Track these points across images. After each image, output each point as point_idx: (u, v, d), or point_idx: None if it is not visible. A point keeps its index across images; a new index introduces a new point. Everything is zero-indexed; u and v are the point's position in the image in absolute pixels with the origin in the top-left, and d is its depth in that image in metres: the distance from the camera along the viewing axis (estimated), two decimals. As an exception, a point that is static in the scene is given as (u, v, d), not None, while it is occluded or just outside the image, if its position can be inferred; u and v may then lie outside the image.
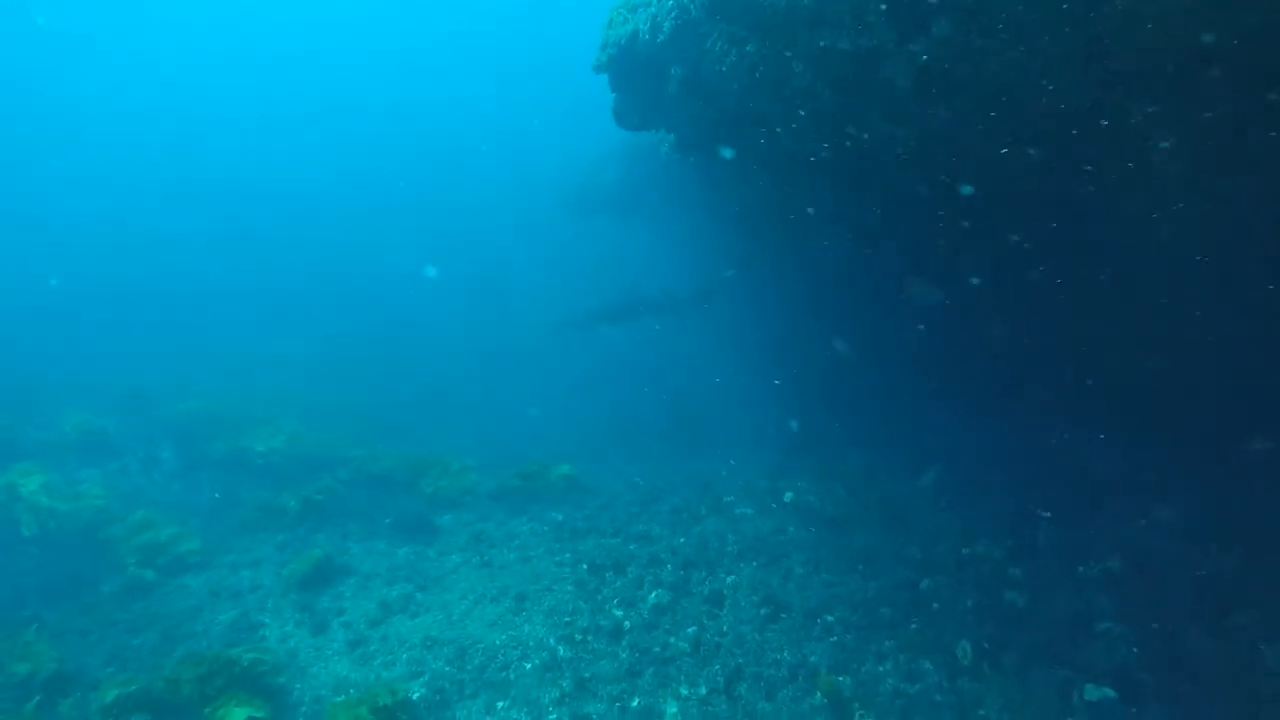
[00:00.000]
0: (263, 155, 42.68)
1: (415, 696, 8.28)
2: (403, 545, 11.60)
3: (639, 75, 8.17)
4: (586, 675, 8.39)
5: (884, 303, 11.19)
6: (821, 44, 5.23)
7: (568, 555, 10.79)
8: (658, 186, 16.81)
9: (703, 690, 8.05)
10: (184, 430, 15.53)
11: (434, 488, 13.34)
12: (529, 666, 8.62)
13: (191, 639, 9.49)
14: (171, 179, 39.28)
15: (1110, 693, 7.00)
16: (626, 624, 9.19)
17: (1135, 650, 7.59)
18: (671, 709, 7.86)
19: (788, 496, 12.56)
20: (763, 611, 9.22)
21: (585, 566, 10.43)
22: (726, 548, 10.76)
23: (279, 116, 45.76)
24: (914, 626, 8.69)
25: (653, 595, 9.64)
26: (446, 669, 8.68)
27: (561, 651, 8.80)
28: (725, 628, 9.02)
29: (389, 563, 11.04)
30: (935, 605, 9.06)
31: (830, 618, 9.02)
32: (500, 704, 8.15)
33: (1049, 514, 9.78)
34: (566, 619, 9.35)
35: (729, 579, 9.96)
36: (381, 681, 8.43)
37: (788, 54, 5.64)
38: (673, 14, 7.30)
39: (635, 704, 7.97)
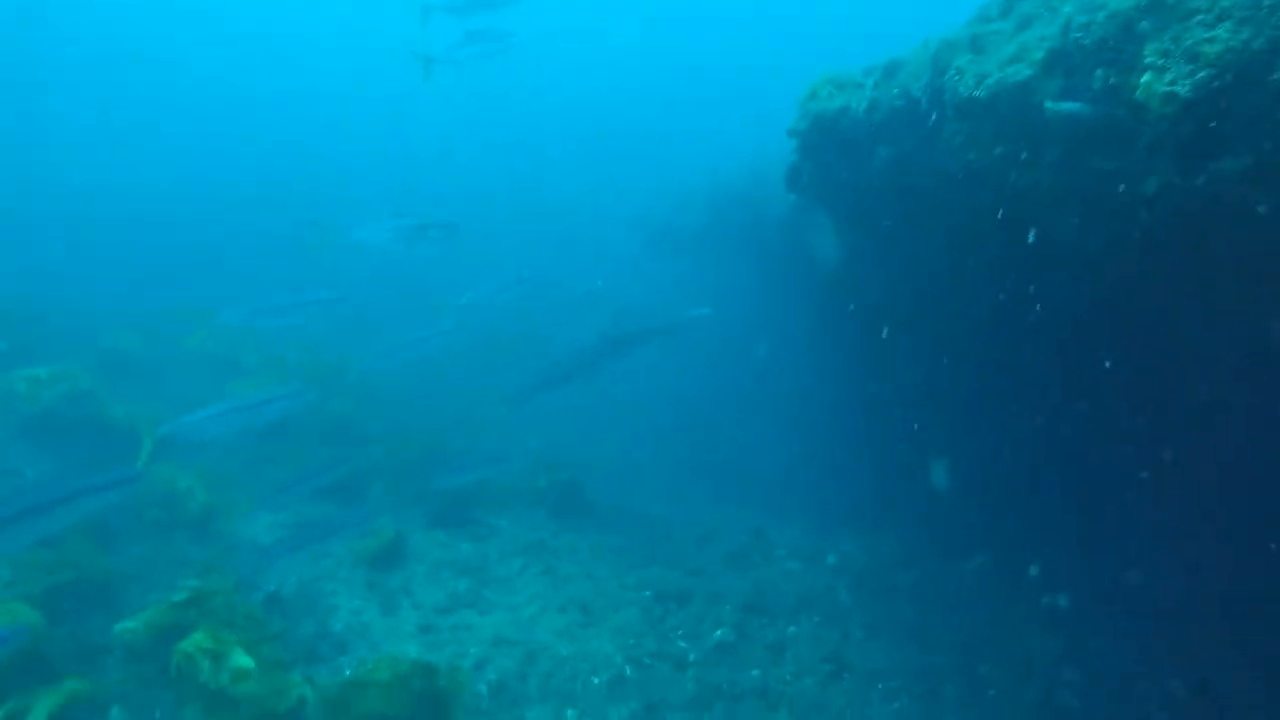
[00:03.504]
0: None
1: (483, 689, 8.45)
2: (464, 541, 11.79)
3: (835, 148, 8.75)
4: (655, 699, 8.57)
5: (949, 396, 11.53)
6: (1096, 168, 5.61)
7: (631, 579, 11.01)
8: (753, 236, 17.14)
9: (771, 733, 8.25)
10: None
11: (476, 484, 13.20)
12: (597, 681, 8.80)
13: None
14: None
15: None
16: (691, 656, 9.39)
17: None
18: (741, 747, 8.05)
19: (831, 559, 12.81)
20: (826, 667, 9.44)
21: (649, 593, 10.64)
22: (784, 599, 10.99)
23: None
24: (977, 710, 8.91)
25: (717, 632, 9.84)
26: (515, 668, 8.85)
27: (629, 671, 8.99)
28: (789, 676, 9.23)
29: (453, 555, 11.23)
30: (992, 692, 9.29)
31: (895, 684, 9.25)
32: (570, 712, 8.32)
33: (1106, 622, 10.02)
34: (632, 641, 9.55)
35: (790, 629, 10.19)
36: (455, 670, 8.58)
37: (1032, 160, 6.08)
38: (897, 102, 7.91)
39: (704, 736, 8.16)
